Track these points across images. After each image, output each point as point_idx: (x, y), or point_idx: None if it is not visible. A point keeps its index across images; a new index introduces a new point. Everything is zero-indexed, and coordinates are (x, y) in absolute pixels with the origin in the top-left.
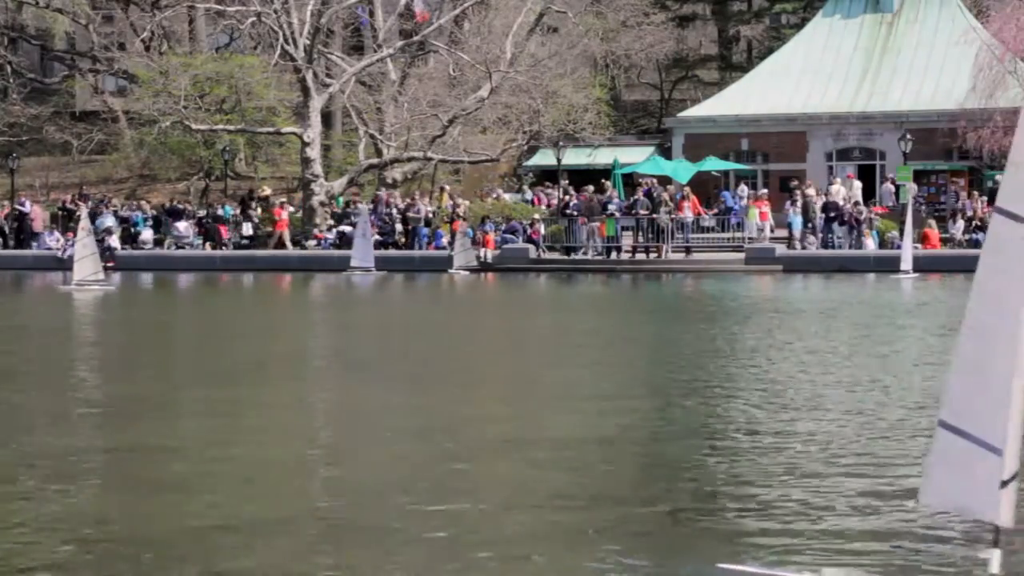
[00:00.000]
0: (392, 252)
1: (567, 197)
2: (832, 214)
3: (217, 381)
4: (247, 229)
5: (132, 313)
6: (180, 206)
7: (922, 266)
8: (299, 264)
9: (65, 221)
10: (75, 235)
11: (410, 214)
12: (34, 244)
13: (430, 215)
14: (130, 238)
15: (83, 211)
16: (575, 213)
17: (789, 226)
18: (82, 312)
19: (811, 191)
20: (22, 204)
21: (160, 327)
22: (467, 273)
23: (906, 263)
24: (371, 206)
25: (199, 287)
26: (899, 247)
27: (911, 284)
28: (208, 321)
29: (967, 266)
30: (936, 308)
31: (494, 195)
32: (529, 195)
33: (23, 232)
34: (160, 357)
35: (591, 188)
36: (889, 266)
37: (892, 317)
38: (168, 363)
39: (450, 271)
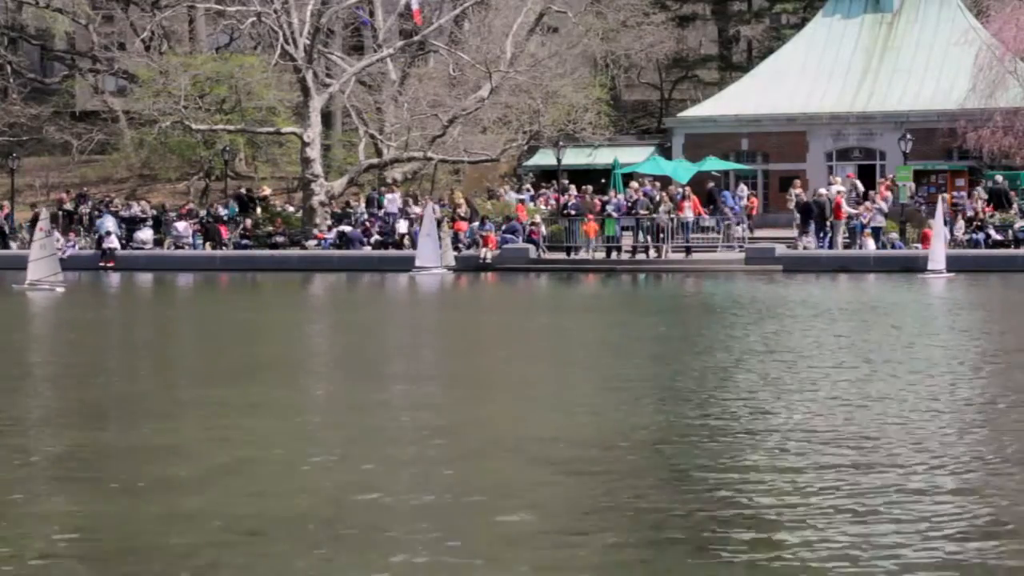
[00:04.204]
0: (392, 252)
1: (565, 197)
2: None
3: (152, 387)
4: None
5: (76, 314)
6: (191, 206)
7: (921, 266)
8: (299, 264)
9: (66, 221)
10: (75, 235)
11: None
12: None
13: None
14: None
15: (43, 213)
16: (574, 213)
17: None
18: (20, 313)
19: (799, 191)
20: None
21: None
22: (444, 271)
23: (937, 263)
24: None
25: (177, 288)
26: (899, 247)
27: (950, 284)
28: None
29: (967, 266)
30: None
31: (505, 195)
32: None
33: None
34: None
35: (590, 188)
36: (890, 266)
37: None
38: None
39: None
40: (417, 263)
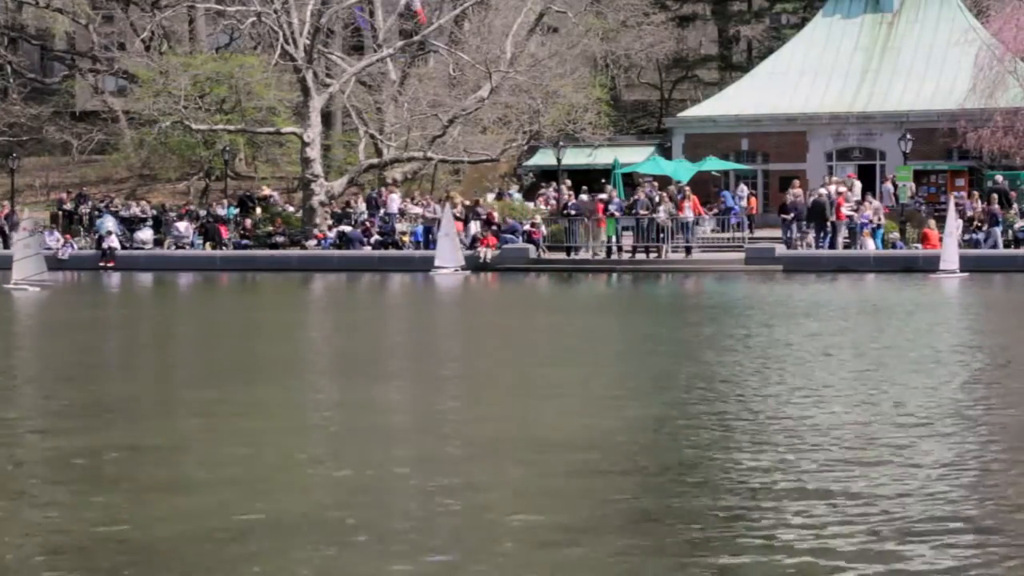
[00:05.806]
0: (392, 252)
1: (565, 196)
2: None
3: (143, 387)
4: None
5: (70, 314)
6: (192, 207)
7: (922, 266)
8: (299, 264)
9: (66, 221)
10: (71, 236)
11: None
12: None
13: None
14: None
15: (25, 212)
16: (574, 213)
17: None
18: (8, 312)
19: (798, 191)
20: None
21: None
22: (460, 271)
23: (950, 263)
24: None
25: (166, 289)
26: (899, 247)
27: (966, 284)
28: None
29: (967, 266)
30: None
31: (506, 194)
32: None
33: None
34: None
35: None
36: (890, 266)
37: None
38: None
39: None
40: (436, 263)
